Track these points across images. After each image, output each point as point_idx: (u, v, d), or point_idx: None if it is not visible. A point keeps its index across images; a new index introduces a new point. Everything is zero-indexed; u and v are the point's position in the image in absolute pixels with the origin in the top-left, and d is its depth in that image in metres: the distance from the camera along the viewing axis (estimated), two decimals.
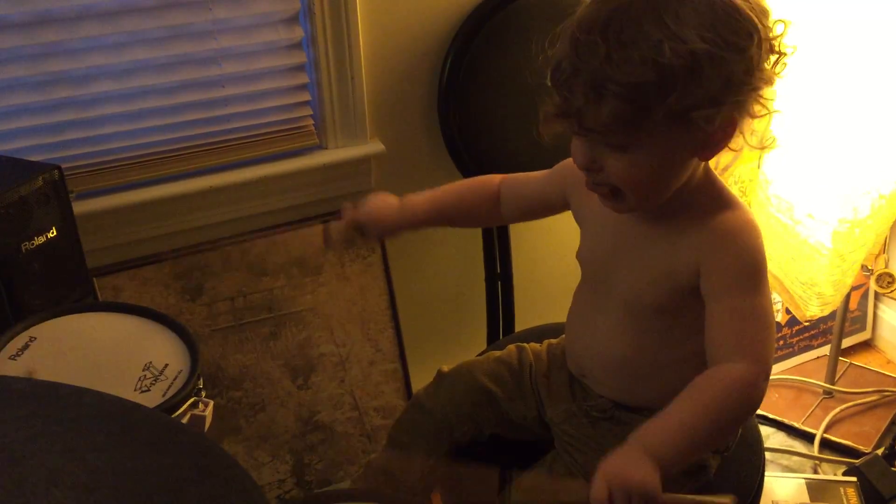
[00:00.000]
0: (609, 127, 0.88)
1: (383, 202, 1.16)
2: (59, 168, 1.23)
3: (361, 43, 1.52)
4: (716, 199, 0.99)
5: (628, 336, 1.04)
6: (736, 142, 0.95)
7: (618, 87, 0.86)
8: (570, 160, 1.12)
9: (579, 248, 1.11)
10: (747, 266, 0.96)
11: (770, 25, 0.91)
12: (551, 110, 0.93)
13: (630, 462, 0.88)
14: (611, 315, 1.06)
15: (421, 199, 1.17)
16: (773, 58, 0.91)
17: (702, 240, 0.97)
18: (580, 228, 1.12)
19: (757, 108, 0.93)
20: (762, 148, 0.99)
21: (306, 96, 1.55)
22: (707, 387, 0.93)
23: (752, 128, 0.95)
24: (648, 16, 0.86)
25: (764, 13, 0.91)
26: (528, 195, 1.18)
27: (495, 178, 1.20)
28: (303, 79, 1.53)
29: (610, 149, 0.92)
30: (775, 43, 0.91)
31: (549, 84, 0.92)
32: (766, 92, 0.93)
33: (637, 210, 0.99)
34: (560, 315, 1.25)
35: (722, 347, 0.95)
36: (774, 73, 0.92)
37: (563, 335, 1.20)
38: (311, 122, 1.58)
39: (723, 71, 0.87)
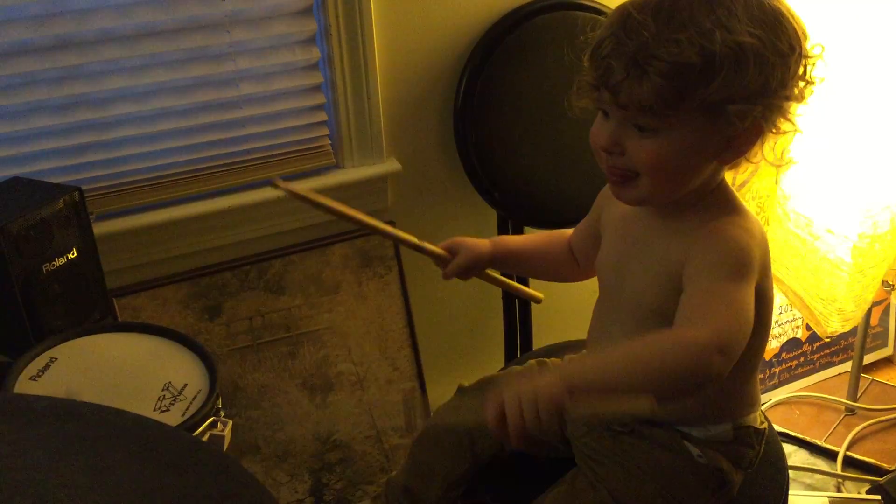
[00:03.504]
0: (645, 105, 0.89)
1: (474, 239, 1.19)
2: (79, 190, 1.24)
3: (377, 63, 1.53)
4: (722, 206, 1.00)
5: None
6: (756, 154, 0.96)
7: (662, 64, 0.87)
8: (607, 188, 1.13)
9: (598, 257, 1.13)
10: (730, 257, 0.94)
11: (808, 47, 0.93)
12: (589, 80, 0.93)
13: (530, 375, 0.88)
14: (624, 325, 1.06)
15: (513, 237, 1.21)
16: (802, 83, 0.94)
17: (696, 237, 0.97)
18: (603, 239, 1.13)
19: (782, 123, 0.95)
20: (779, 165, 0.99)
21: (323, 116, 1.56)
22: (650, 337, 0.91)
23: (773, 143, 0.96)
24: (701, 5, 0.89)
25: (804, 35, 0.93)
26: (584, 238, 1.20)
27: (567, 232, 1.23)
28: (319, 99, 1.54)
29: (637, 131, 0.93)
30: (810, 66, 0.94)
31: (588, 59, 0.93)
32: (793, 109, 0.94)
33: (648, 201, 0.99)
34: (578, 331, 1.24)
35: (680, 316, 0.93)
36: (803, 96, 0.94)
37: (583, 351, 1.19)
38: (328, 141, 1.59)
39: (764, 70, 0.89)
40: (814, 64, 0.95)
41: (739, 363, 1.03)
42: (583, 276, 1.23)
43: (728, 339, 0.90)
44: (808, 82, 0.95)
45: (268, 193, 1.55)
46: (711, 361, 0.88)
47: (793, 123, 0.95)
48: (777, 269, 1.79)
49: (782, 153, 0.98)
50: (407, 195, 1.67)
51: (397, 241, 1.22)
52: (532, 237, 1.24)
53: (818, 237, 1.69)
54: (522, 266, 1.23)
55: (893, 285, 1.91)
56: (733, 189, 1.02)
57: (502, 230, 1.70)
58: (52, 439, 0.68)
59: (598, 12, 1.60)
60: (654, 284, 1.00)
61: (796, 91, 0.94)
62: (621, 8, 0.92)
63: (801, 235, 1.70)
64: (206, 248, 1.56)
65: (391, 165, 1.61)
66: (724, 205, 1.00)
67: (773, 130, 0.95)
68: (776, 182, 1.71)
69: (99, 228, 1.38)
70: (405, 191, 1.66)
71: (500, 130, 1.60)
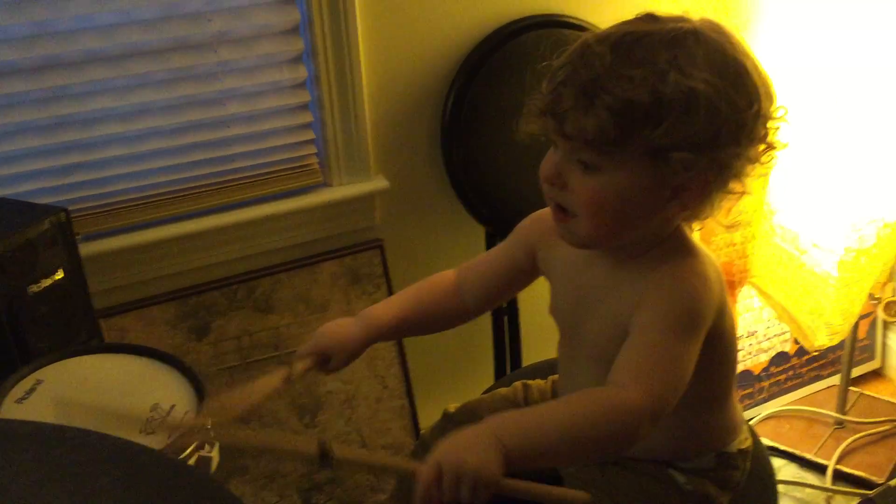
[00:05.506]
0: (588, 138, 0.87)
1: (340, 326, 1.08)
2: (65, 210, 1.23)
3: (364, 81, 1.53)
4: (675, 250, 0.95)
5: None
6: (705, 211, 0.93)
7: (610, 99, 0.85)
8: (532, 216, 1.10)
9: (550, 303, 1.08)
10: (682, 309, 0.91)
11: (771, 109, 0.90)
12: (537, 106, 0.91)
13: (471, 444, 0.83)
14: (584, 370, 1.03)
15: (381, 309, 1.10)
16: (762, 147, 0.90)
17: (648, 283, 0.93)
18: (549, 282, 1.09)
19: (734, 184, 0.91)
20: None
21: (310, 135, 1.56)
22: (585, 399, 0.89)
23: (721, 202, 0.92)
24: (663, 46, 0.86)
25: (769, 95, 0.90)
26: (491, 270, 1.12)
27: (450, 271, 1.15)
28: (307, 118, 1.54)
29: (581, 166, 0.90)
30: (771, 129, 0.90)
31: (544, 85, 0.91)
32: (748, 170, 0.91)
33: (588, 244, 0.96)
34: None
35: (619, 372, 0.89)
36: (760, 158, 0.91)
37: (521, 408, 1.16)
38: (316, 160, 1.59)
39: (715, 122, 0.86)
40: (776, 128, 0.91)
41: (713, 399, 1.03)
42: (473, 315, 1.15)
43: (661, 405, 0.88)
44: (768, 146, 0.91)
45: (256, 212, 1.55)
46: (641, 428, 0.87)
47: (743, 185, 0.91)
48: (764, 283, 1.80)
49: (728, 212, 0.95)
50: (395, 213, 1.67)
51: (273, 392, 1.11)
52: (402, 298, 1.12)
53: (805, 251, 1.70)
54: (402, 332, 1.13)
55: (880, 298, 1.92)
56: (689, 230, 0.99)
57: (490, 246, 1.70)
58: (36, 465, 0.67)
59: (584, 30, 1.61)
60: (612, 337, 0.95)
61: (751, 151, 0.90)
62: (584, 37, 0.90)
63: (787, 250, 1.71)
64: (194, 267, 1.55)
65: (379, 183, 1.61)
66: (677, 249, 0.95)
67: (725, 190, 0.91)
68: (763, 197, 1.72)
69: (85, 249, 1.37)
70: (393, 208, 1.66)
71: (488, 147, 1.60)
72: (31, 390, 1.09)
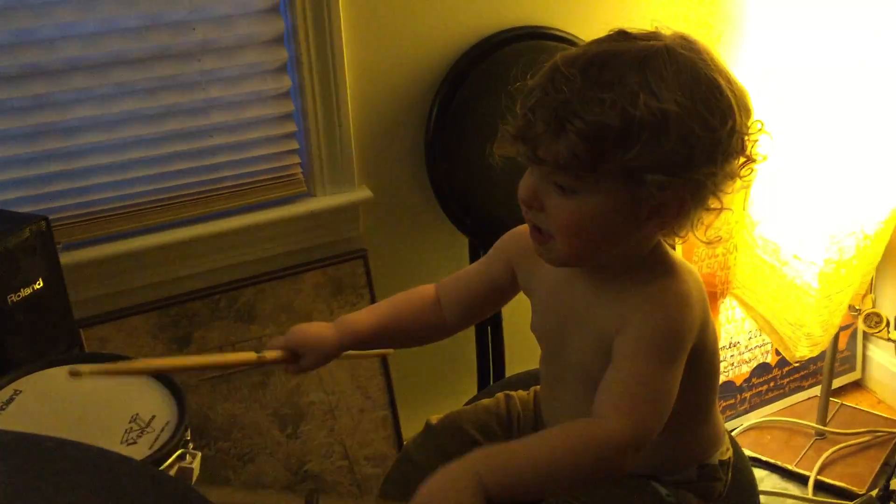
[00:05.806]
0: (561, 162, 0.86)
1: (315, 327, 1.08)
2: (46, 219, 1.22)
3: (349, 91, 1.53)
4: (656, 268, 0.95)
5: (587, 409, 0.96)
6: (684, 228, 0.92)
7: (581, 123, 0.84)
8: (511, 232, 1.09)
9: (532, 321, 1.07)
10: (664, 336, 0.91)
11: (748, 124, 0.89)
12: (510, 131, 0.91)
13: (449, 485, 0.83)
14: (569, 388, 1.03)
15: (359, 317, 1.10)
16: (742, 159, 0.90)
17: (630, 305, 0.92)
18: (530, 300, 1.08)
19: (712, 201, 0.91)
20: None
21: (294, 145, 1.56)
22: (567, 433, 0.89)
23: (701, 219, 0.92)
24: (632, 67, 0.85)
25: (745, 110, 0.89)
26: (470, 286, 1.12)
27: (430, 286, 1.13)
28: (291, 127, 1.54)
29: (556, 189, 0.89)
30: (748, 142, 0.90)
31: (518, 108, 0.91)
32: (727, 187, 0.90)
33: (567, 262, 0.96)
34: None
35: (603, 403, 0.89)
36: (738, 173, 0.91)
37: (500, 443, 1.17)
38: (300, 169, 1.59)
39: (687, 141, 0.85)
40: (754, 141, 0.90)
41: (696, 413, 1.03)
42: (452, 332, 1.14)
43: (645, 435, 0.88)
44: (747, 159, 0.90)
45: (238, 222, 1.54)
46: (626, 460, 0.87)
47: (721, 202, 0.91)
48: (746, 294, 1.81)
49: (706, 229, 0.93)
50: (379, 223, 1.67)
51: (236, 366, 1.10)
52: (381, 308, 1.12)
53: (786, 263, 1.71)
54: (376, 344, 1.12)
55: (860, 310, 1.94)
56: (669, 247, 0.99)
57: (474, 256, 1.71)
58: (15, 475, 0.66)
59: (569, 42, 1.62)
60: (596, 355, 0.95)
61: (728, 167, 0.89)
62: (554, 59, 0.89)
63: (768, 261, 1.73)
64: (176, 277, 1.54)
65: (363, 193, 1.61)
66: (658, 267, 0.95)
67: (703, 207, 0.91)
68: (744, 209, 1.73)
69: (66, 258, 1.36)
70: (377, 218, 1.66)
71: (472, 157, 1.61)
72: (10, 400, 1.08)
